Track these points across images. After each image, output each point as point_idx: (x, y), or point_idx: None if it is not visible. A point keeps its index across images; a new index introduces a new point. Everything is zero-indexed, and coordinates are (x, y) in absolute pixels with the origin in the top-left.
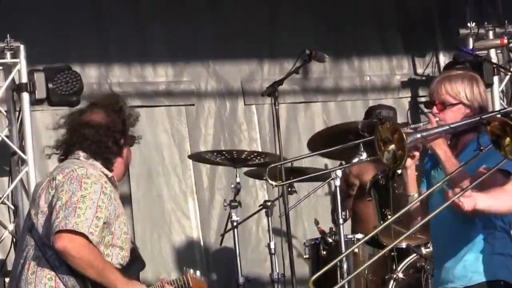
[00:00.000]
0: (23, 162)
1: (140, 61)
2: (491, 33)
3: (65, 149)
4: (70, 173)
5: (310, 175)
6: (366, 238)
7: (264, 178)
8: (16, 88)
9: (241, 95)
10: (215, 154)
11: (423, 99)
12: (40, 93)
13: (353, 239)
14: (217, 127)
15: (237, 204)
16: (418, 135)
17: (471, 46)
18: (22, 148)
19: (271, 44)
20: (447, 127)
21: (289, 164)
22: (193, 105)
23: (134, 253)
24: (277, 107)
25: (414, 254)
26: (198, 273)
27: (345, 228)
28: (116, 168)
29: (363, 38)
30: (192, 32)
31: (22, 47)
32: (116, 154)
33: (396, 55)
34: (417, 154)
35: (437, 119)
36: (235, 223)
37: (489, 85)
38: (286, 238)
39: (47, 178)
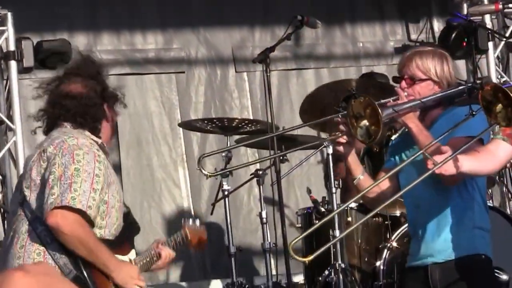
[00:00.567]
0: (11, 131)
1: (130, 28)
2: None
3: (49, 122)
4: (60, 144)
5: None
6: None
7: (198, 168)
8: (4, 57)
9: (232, 62)
10: (205, 122)
11: None
12: (28, 61)
13: (346, 207)
14: (208, 94)
15: (228, 173)
16: (391, 110)
17: (465, 12)
18: (10, 117)
19: (262, 10)
20: (419, 101)
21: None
22: (184, 72)
23: (128, 218)
24: (268, 74)
25: None
26: (197, 221)
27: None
28: (103, 133)
29: (356, 4)
30: None
31: (9, 14)
32: (101, 120)
33: (389, 21)
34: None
35: (406, 93)
36: (226, 192)
37: (483, 51)
38: (278, 207)
39: (38, 150)
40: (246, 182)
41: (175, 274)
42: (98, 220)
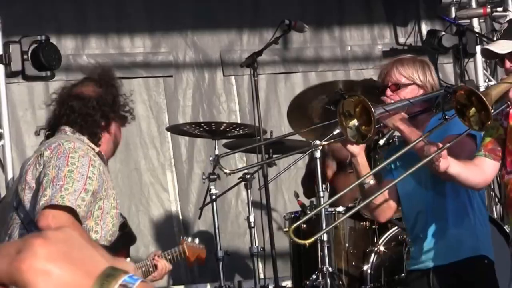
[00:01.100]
0: None
1: (117, 32)
2: (473, 2)
3: (52, 124)
4: (57, 147)
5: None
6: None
7: (218, 166)
8: None
9: (220, 66)
10: (193, 126)
11: None
12: (16, 65)
13: (333, 212)
14: (196, 98)
15: (216, 177)
16: (382, 109)
17: (453, 15)
18: None
19: (250, 14)
20: (408, 101)
21: (269, 136)
22: (171, 76)
23: (124, 227)
24: (256, 78)
25: (396, 227)
26: (196, 241)
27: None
28: (103, 144)
29: (344, 7)
30: (170, 2)
31: None
32: (103, 128)
33: (378, 24)
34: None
35: (392, 101)
36: (214, 196)
37: (472, 54)
38: (266, 211)
39: (35, 154)
40: (233, 186)
41: (162, 279)
42: (93, 224)
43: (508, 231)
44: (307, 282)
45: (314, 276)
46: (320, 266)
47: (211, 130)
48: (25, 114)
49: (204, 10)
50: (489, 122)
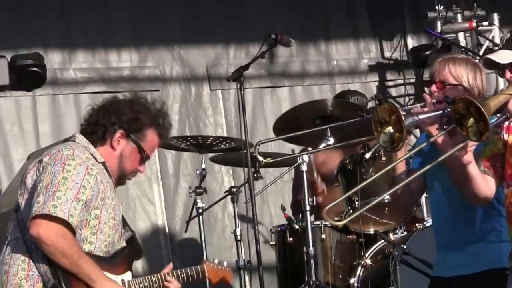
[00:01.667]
0: None
1: (104, 46)
2: (459, 16)
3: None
4: (55, 154)
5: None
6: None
7: (254, 154)
8: None
9: (207, 80)
10: (180, 140)
11: (390, 83)
12: (3, 79)
13: (320, 225)
14: (182, 112)
15: (202, 190)
16: (416, 118)
17: (439, 30)
18: None
19: (236, 28)
20: (444, 111)
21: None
22: (158, 90)
23: (133, 241)
24: (242, 92)
25: (382, 240)
26: (225, 263)
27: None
28: (105, 156)
29: (330, 21)
30: (157, 16)
31: None
32: (104, 138)
33: (363, 38)
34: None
35: (434, 100)
36: (200, 210)
37: None
38: (252, 225)
39: (36, 159)
40: (220, 200)
41: None
42: (88, 234)
43: None
44: None
45: None
46: (306, 279)
47: (197, 144)
48: (12, 128)
49: (191, 24)
50: (488, 133)
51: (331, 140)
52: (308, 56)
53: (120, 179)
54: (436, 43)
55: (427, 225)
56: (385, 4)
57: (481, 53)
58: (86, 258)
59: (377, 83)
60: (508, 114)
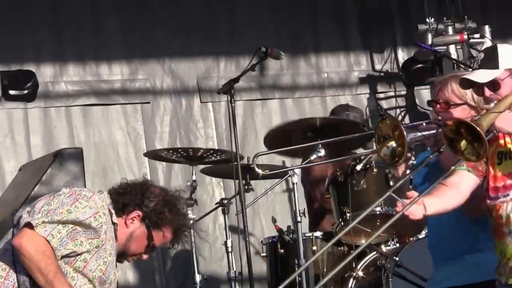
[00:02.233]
0: None
1: (95, 59)
2: (450, 29)
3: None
4: (76, 190)
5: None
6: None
7: (252, 165)
8: None
9: (197, 92)
10: (171, 152)
11: (381, 95)
12: None
13: (311, 237)
14: (173, 124)
15: (193, 202)
16: (419, 134)
17: (430, 42)
18: None
19: (227, 41)
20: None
21: (246, 162)
22: (149, 103)
23: None
24: (233, 105)
25: (374, 252)
26: None
27: (304, 226)
28: (118, 230)
29: (321, 34)
30: (147, 29)
31: None
32: (122, 211)
33: (354, 51)
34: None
35: (439, 117)
36: (191, 221)
37: None
38: (243, 236)
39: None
40: (211, 211)
41: None
42: (70, 270)
43: None
44: None
45: None
46: None
47: (188, 155)
48: (4, 140)
49: (181, 37)
50: (486, 152)
51: (322, 152)
52: (299, 69)
53: (120, 256)
54: (426, 56)
55: (420, 237)
56: (376, 17)
57: (472, 68)
58: (62, 279)
59: (367, 96)
60: (495, 131)
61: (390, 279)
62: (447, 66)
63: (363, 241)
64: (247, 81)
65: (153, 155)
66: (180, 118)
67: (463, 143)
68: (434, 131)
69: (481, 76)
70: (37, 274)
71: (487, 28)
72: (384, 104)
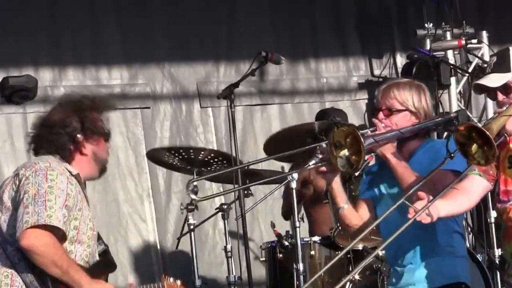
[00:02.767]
0: None
1: (95, 64)
2: (448, 34)
3: (34, 151)
4: (32, 166)
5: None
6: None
7: (186, 193)
8: None
9: (197, 97)
10: (172, 152)
11: None
12: None
13: (309, 241)
14: (173, 129)
15: (193, 207)
16: (372, 140)
17: (428, 47)
18: None
19: (227, 46)
20: (398, 131)
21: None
22: (149, 108)
23: (106, 255)
24: (233, 110)
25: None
26: (178, 282)
27: (302, 231)
28: (79, 165)
29: (320, 39)
30: (147, 34)
31: None
32: (74, 150)
33: (353, 56)
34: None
35: (383, 125)
36: (191, 226)
37: (446, 86)
38: (243, 241)
39: (12, 175)
40: (211, 216)
41: None
42: (66, 244)
43: (480, 259)
44: None
45: None
46: None
47: (189, 158)
48: (3, 145)
49: (181, 42)
50: (495, 157)
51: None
52: (298, 74)
53: (103, 169)
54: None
55: None
56: (374, 22)
57: (470, 70)
58: (75, 266)
59: (366, 101)
60: (506, 134)
61: (386, 282)
62: (444, 71)
63: (359, 245)
64: (247, 86)
65: (154, 155)
66: (180, 123)
67: (474, 146)
68: (387, 135)
69: (493, 80)
70: (53, 268)
71: (484, 34)
72: None
